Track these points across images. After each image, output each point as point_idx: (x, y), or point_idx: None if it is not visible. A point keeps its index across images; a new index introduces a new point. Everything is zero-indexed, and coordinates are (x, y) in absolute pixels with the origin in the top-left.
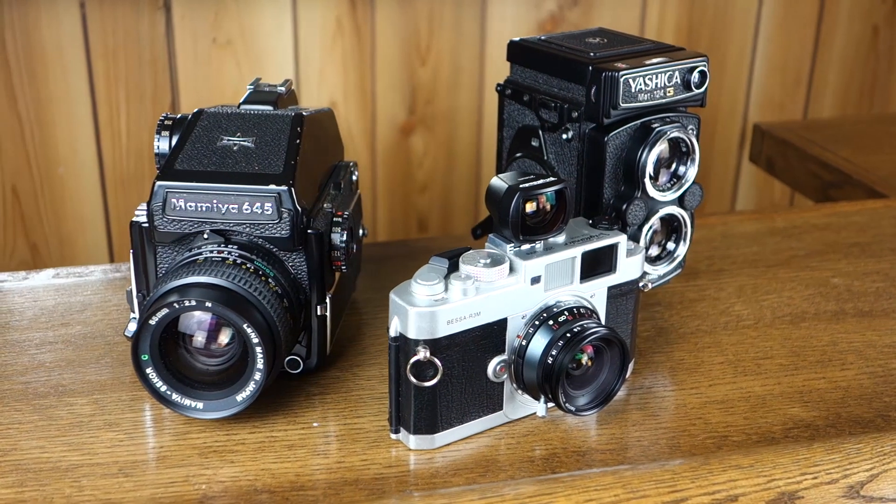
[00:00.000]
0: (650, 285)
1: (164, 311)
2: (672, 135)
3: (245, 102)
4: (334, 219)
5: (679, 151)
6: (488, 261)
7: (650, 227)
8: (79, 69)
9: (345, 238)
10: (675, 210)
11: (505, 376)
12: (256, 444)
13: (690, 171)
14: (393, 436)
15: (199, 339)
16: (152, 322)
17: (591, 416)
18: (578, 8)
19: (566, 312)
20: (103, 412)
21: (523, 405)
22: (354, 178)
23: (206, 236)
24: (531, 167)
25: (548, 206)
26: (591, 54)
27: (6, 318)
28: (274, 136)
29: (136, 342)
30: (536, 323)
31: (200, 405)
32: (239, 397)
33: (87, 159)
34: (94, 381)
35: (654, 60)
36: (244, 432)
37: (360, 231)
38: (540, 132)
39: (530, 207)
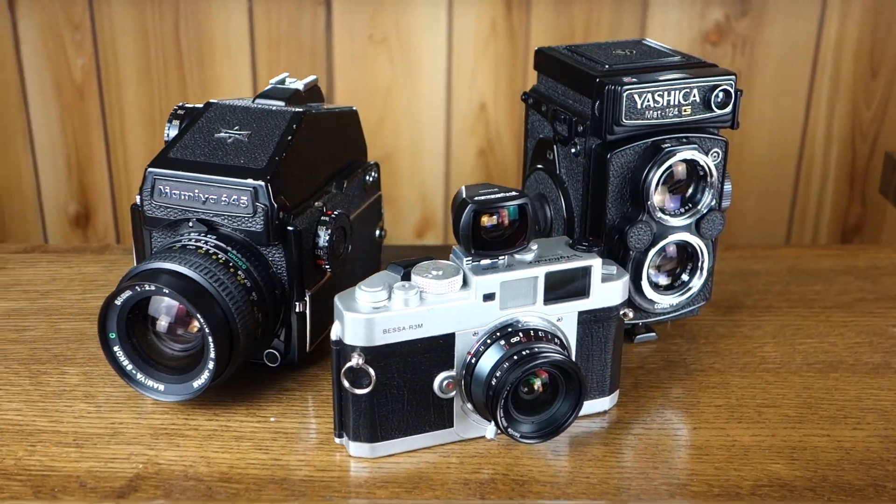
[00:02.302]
0: (631, 314)
1: (128, 292)
2: (683, 156)
3: (259, 97)
4: (321, 217)
5: (696, 175)
6: (440, 272)
7: (656, 253)
8: (243, 58)
9: (328, 238)
10: (688, 237)
11: (454, 393)
12: (208, 432)
13: (707, 197)
14: (337, 440)
15: (163, 323)
16: (118, 302)
17: (549, 445)
18: (747, 19)
19: (521, 333)
20: (87, 384)
21: (476, 425)
22: (369, 179)
23: (191, 224)
24: (544, 181)
25: (506, 222)
26: (605, 67)
27: (48, 287)
28: (269, 132)
29: (103, 320)
30: (488, 341)
31: (162, 387)
32: (195, 384)
33: None
34: (93, 355)
35: (669, 76)
36: (203, 418)
37: (378, 232)
38: (554, 145)
39: (490, 221)
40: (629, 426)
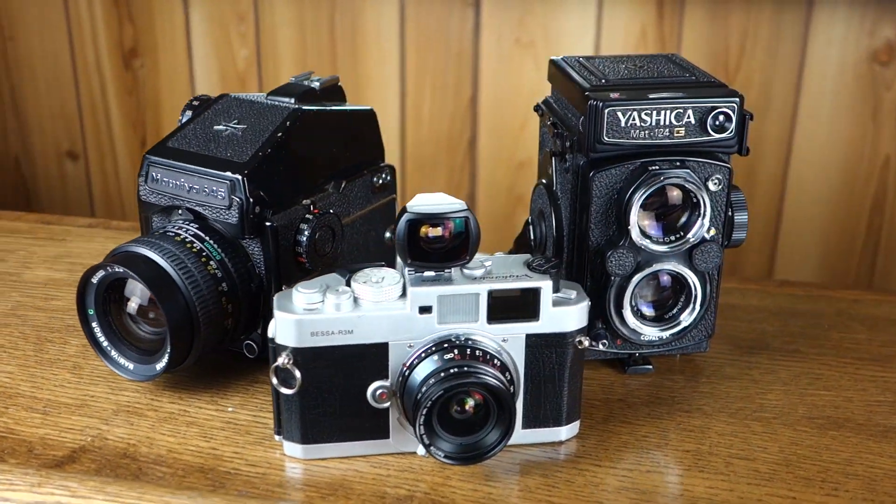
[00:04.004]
0: (586, 342)
1: (101, 272)
2: (671, 181)
3: (271, 93)
4: (305, 215)
5: (690, 202)
6: (379, 280)
7: (643, 282)
8: (393, 57)
9: (308, 235)
10: (678, 268)
11: (388, 404)
12: (166, 414)
13: (697, 227)
14: (276, 437)
15: (133, 304)
16: (94, 280)
17: (486, 469)
18: None
19: (456, 350)
20: (80, 356)
21: (413, 439)
22: (378, 181)
23: (180, 212)
24: (542, 196)
25: (449, 234)
26: (601, 81)
27: (94, 260)
28: (263, 127)
29: (81, 296)
30: (423, 354)
31: (131, 366)
32: (158, 366)
33: (392, 142)
34: None
35: (661, 95)
36: (167, 400)
37: (388, 235)
38: (552, 159)
39: (432, 233)
40: (578, 460)
